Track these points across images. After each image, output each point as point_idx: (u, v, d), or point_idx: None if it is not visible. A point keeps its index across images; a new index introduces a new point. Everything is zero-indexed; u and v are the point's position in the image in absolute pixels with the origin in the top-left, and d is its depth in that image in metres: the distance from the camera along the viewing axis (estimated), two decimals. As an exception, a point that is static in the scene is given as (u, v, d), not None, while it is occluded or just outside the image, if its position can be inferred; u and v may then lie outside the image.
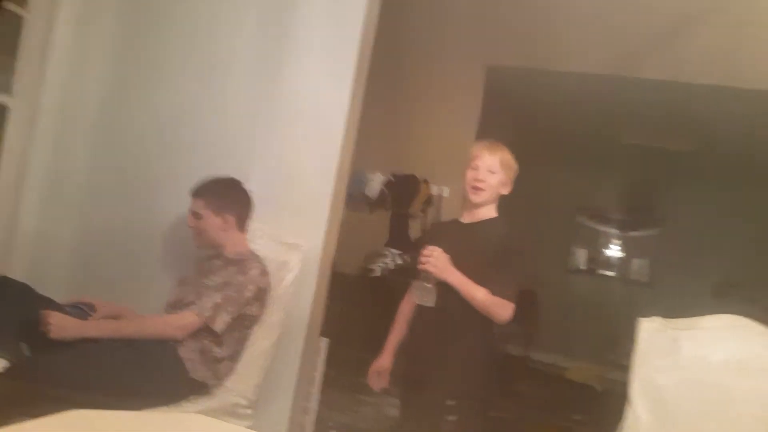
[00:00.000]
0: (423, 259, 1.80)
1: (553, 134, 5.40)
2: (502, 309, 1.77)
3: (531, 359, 5.91)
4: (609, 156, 5.80)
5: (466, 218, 1.94)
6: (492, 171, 1.86)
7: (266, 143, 2.37)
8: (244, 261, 1.95)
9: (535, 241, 6.34)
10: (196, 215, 2.00)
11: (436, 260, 1.78)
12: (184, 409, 1.77)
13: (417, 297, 1.81)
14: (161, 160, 2.51)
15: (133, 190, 2.54)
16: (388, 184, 3.97)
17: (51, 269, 2.53)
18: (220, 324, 1.83)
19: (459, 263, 1.79)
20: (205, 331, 1.84)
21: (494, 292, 1.76)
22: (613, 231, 6.73)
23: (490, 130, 4.28)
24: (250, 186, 2.29)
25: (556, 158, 6.05)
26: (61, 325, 1.70)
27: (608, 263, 6.75)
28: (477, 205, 1.89)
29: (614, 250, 6.76)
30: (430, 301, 1.78)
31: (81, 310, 1.89)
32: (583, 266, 6.77)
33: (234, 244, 2.02)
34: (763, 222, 5.26)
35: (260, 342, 2.00)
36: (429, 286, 1.78)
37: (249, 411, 1.96)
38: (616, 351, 5.03)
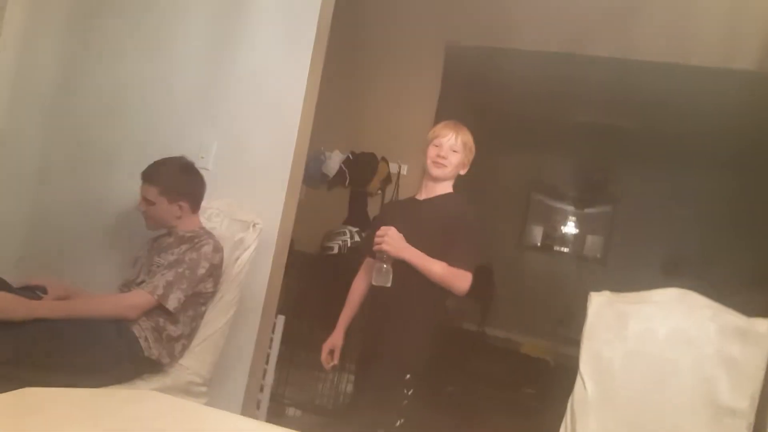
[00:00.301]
0: (377, 239, 1.81)
1: (509, 113, 5.46)
2: (460, 280, 1.80)
3: (486, 335, 6.03)
4: (563, 134, 5.89)
5: (423, 195, 1.97)
6: (454, 149, 1.90)
7: (222, 122, 2.34)
8: (196, 238, 1.93)
9: (491, 218, 6.50)
10: (148, 201, 1.95)
11: (391, 239, 1.80)
12: (138, 388, 1.75)
13: (374, 278, 1.81)
14: (112, 140, 2.46)
15: (84, 170, 2.49)
16: (346, 162, 3.95)
17: (3, 251, 2.46)
18: (173, 302, 1.80)
19: (415, 238, 1.81)
20: (158, 309, 1.81)
21: (452, 264, 1.80)
22: (569, 208, 6.89)
23: (448, 109, 4.29)
24: (206, 164, 2.26)
25: (513, 136, 6.12)
26: (9, 306, 1.64)
27: (563, 240, 6.91)
28: (435, 180, 1.93)
29: (569, 227, 6.93)
30: (386, 281, 1.79)
31: (32, 292, 1.83)
32: (538, 243, 6.93)
33: (186, 224, 2.00)
34: (712, 201, 5.47)
35: (216, 320, 1.99)
36: (385, 266, 1.79)
37: (204, 389, 1.96)
38: (570, 326, 5.20)
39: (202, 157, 2.28)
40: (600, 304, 1.56)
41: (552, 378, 4.69)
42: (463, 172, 1.96)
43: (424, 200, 1.95)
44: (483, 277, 6.23)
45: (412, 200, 2.01)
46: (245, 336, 2.21)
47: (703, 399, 1.42)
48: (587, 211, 6.83)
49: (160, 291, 1.79)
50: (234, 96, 2.33)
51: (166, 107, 2.40)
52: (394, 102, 4.05)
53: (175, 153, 2.06)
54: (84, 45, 2.54)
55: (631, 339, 1.49)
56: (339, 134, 3.98)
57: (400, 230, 1.82)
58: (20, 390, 1.00)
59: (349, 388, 3.43)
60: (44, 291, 1.86)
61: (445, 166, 1.90)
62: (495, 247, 6.44)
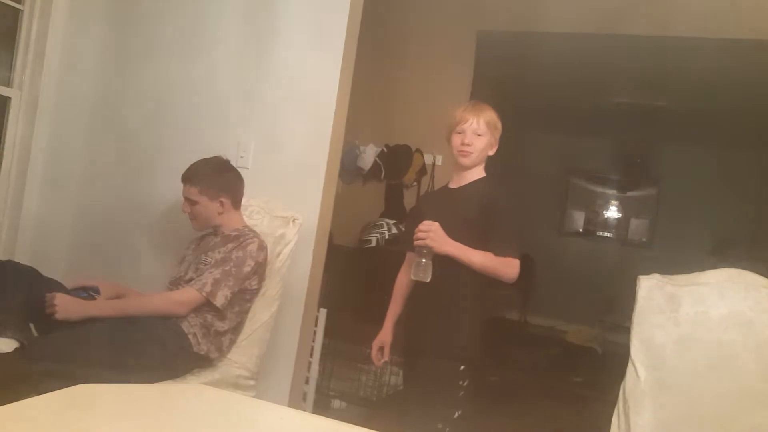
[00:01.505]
0: (421, 234, 1.76)
1: (545, 97, 5.35)
2: (508, 268, 1.77)
3: (529, 323, 5.95)
4: (601, 117, 5.76)
5: (455, 183, 1.92)
6: (478, 133, 1.83)
7: (258, 120, 2.37)
8: (242, 237, 1.96)
9: (530, 203, 6.40)
10: (191, 202, 2.00)
11: (436, 234, 1.75)
12: (188, 383, 1.80)
13: (413, 273, 1.78)
14: (154, 141, 2.53)
15: (129, 172, 2.57)
16: (381, 155, 3.95)
17: (54, 252, 2.58)
18: (220, 299, 1.84)
19: (452, 228, 1.77)
20: (206, 306, 1.86)
21: (496, 253, 1.76)
22: (610, 192, 6.71)
23: (482, 96, 4.23)
24: (245, 163, 2.30)
25: (549, 121, 6.01)
26: (66, 307, 1.74)
27: (606, 224, 6.75)
28: (465, 168, 1.87)
29: (612, 211, 6.75)
30: (426, 276, 1.75)
31: (86, 293, 1.90)
32: (580, 228, 6.78)
33: (231, 222, 2.03)
34: (761, 178, 5.26)
35: (260, 314, 2.02)
36: (424, 261, 1.75)
37: (251, 382, 2.00)
38: (617, 312, 5.08)
39: (242, 157, 2.32)
40: (649, 288, 1.50)
41: (600, 366, 4.59)
42: (492, 152, 1.89)
43: (457, 188, 1.90)
44: (523, 265, 6.13)
45: (446, 189, 1.96)
46: (289, 330, 2.25)
47: (763, 384, 1.36)
48: (630, 194, 6.65)
49: (208, 288, 1.83)
50: (269, 95, 2.36)
51: (204, 109, 2.45)
52: (427, 93, 4.02)
53: (215, 153, 2.10)
54: (124, 49, 2.62)
55: (684, 323, 1.43)
56: (373, 128, 3.98)
57: (436, 221, 1.78)
58: (75, 386, 1.03)
59: (393, 380, 3.45)
60: (97, 291, 1.93)
61: (471, 152, 1.83)
62: (535, 234, 6.33)
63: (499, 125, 1.89)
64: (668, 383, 1.42)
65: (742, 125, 4.92)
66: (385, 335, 1.98)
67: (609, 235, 6.71)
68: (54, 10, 2.46)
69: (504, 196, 1.87)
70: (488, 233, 1.77)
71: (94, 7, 2.62)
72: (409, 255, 1.98)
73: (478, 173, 1.90)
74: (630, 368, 1.47)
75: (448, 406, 1.79)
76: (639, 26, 3.64)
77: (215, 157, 2.06)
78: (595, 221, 6.74)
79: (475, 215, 1.81)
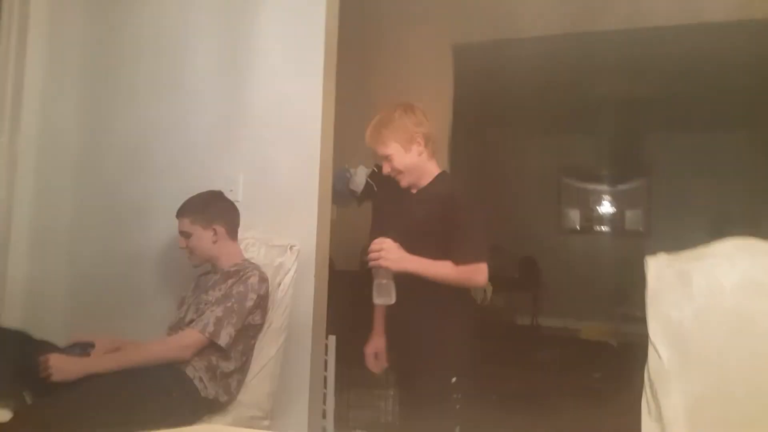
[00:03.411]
0: (373, 255, 1.63)
1: (528, 101, 5.39)
2: (475, 275, 1.68)
3: (542, 326, 5.91)
4: (584, 114, 5.81)
5: (413, 187, 1.83)
6: (390, 156, 1.73)
7: (245, 153, 2.35)
8: (241, 271, 1.92)
9: (527, 206, 6.40)
10: (185, 234, 1.97)
11: (388, 252, 1.62)
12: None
13: (375, 297, 1.65)
14: (140, 186, 2.49)
15: (118, 220, 2.52)
16: (372, 176, 3.92)
17: (46, 312, 2.52)
18: (224, 338, 1.79)
19: (414, 239, 1.66)
20: (210, 347, 1.80)
21: (461, 261, 1.66)
22: (601, 187, 6.76)
23: (464, 107, 4.26)
24: (235, 196, 2.27)
25: (536, 123, 6.05)
26: (61, 367, 1.67)
27: (601, 219, 6.79)
28: (414, 186, 1.80)
29: (605, 206, 6.79)
30: (389, 298, 1.63)
31: (81, 349, 1.84)
32: (577, 226, 6.79)
33: (229, 256, 1.99)
34: (750, 156, 5.28)
35: (267, 349, 1.96)
36: (384, 281, 1.62)
37: (266, 422, 1.92)
38: (626, 303, 5.04)
39: (231, 190, 2.27)
40: (658, 267, 1.47)
41: (618, 359, 4.54)
42: (418, 149, 1.75)
43: (417, 192, 1.80)
44: (528, 268, 6.13)
45: (405, 194, 1.83)
46: (300, 362, 2.18)
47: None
48: (620, 187, 6.69)
49: (210, 328, 1.78)
50: (252, 126, 2.34)
51: (188, 147, 2.42)
52: (410, 110, 4.02)
53: (202, 190, 2.07)
54: (101, 98, 2.60)
55: (698, 296, 1.40)
56: (361, 149, 3.95)
57: (397, 229, 1.67)
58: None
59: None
60: (92, 346, 1.87)
61: (400, 174, 1.75)
62: (534, 236, 6.34)
63: (404, 122, 1.75)
64: (692, 358, 1.38)
65: (723, 106, 4.96)
66: (378, 340, 1.90)
67: (606, 229, 6.73)
68: (29, 64, 2.43)
69: (464, 194, 1.78)
70: (450, 239, 1.67)
71: (70, 58, 2.60)
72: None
73: (427, 174, 1.80)
74: (651, 351, 1.43)
75: (445, 422, 1.71)
76: (611, 20, 3.68)
77: (207, 191, 2.05)
78: (591, 217, 6.78)
79: (435, 221, 1.71)
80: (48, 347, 1.77)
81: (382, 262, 1.61)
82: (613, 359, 4.55)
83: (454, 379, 1.71)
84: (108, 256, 2.51)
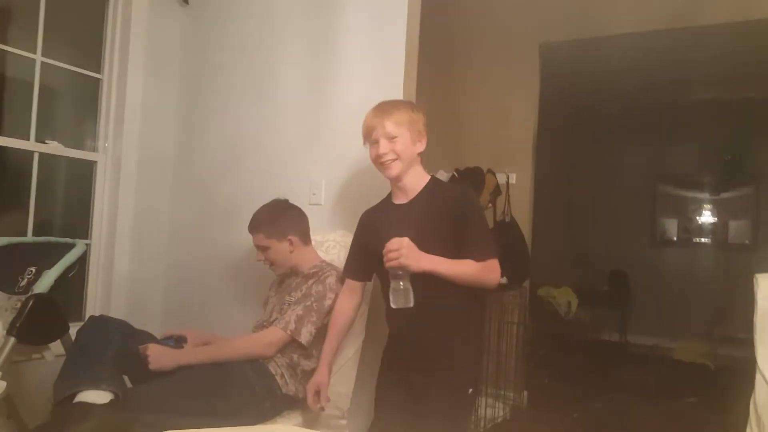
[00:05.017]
0: (392, 254, 1.53)
1: (619, 103, 5.15)
2: (491, 273, 1.60)
3: (631, 344, 5.60)
4: (683, 117, 5.45)
5: (400, 198, 1.74)
6: (392, 136, 1.65)
7: (327, 158, 2.39)
8: (320, 272, 1.97)
9: (618, 217, 6.08)
10: (261, 248, 2.04)
11: (409, 251, 1.53)
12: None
13: (393, 302, 1.57)
14: (231, 190, 2.61)
15: (211, 222, 2.66)
16: (452, 180, 3.89)
17: (145, 305, 2.69)
18: (305, 335, 1.84)
19: (418, 244, 1.57)
20: (291, 345, 1.86)
21: (475, 257, 1.58)
22: (702, 195, 6.28)
23: (550, 109, 4.12)
24: (318, 200, 2.33)
25: (627, 128, 5.76)
26: (158, 357, 1.78)
27: (702, 230, 6.30)
28: (397, 180, 1.70)
29: (706, 216, 6.31)
30: (407, 301, 1.55)
31: (175, 342, 1.95)
32: (674, 237, 6.36)
33: (306, 260, 2.05)
34: None
35: (346, 350, 1.99)
36: (402, 284, 1.55)
37: (343, 422, 1.96)
38: (728, 322, 4.67)
39: (314, 194, 2.35)
40: (770, 287, 1.34)
41: (716, 383, 4.22)
42: (421, 148, 1.69)
43: (409, 202, 1.71)
44: (617, 282, 5.83)
45: (392, 206, 1.76)
46: (376, 364, 2.19)
47: None
48: (724, 195, 6.19)
49: (292, 326, 1.84)
50: (334, 133, 2.38)
51: (274, 153, 2.51)
52: (494, 112, 3.95)
53: (289, 195, 2.15)
54: (196, 105, 2.77)
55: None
56: (441, 154, 3.94)
57: (399, 236, 1.56)
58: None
59: (489, 412, 3.29)
60: (185, 341, 1.97)
61: (393, 159, 1.65)
62: (626, 248, 6.02)
63: (419, 117, 1.69)
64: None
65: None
66: (322, 376, 1.81)
67: (706, 240, 6.25)
68: (130, 75, 2.62)
69: (464, 195, 1.70)
70: (460, 239, 1.59)
71: (168, 66, 2.79)
72: (347, 282, 1.86)
73: (421, 177, 1.72)
74: (759, 380, 1.30)
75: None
76: (715, 14, 3.42)
77: (273, 201, 2.11)
78: (690, 228, 6.32)
79: (440, 225, 1.62)
80: (147, 337, 1.90)
81: (403, 260, 1.52)
82: (710, 383, 4.23)
83: (470, 390, 1.64)
84: (199, 256, 2.67)
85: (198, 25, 2.79)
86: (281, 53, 2.54)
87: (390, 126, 1.65)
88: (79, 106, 2.76)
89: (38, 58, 2.39)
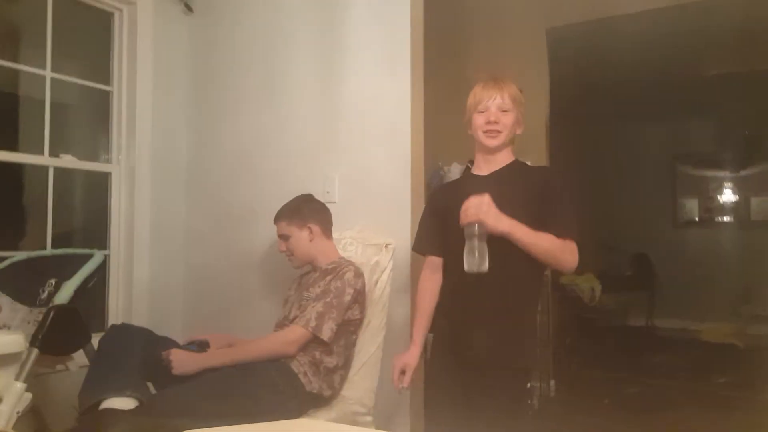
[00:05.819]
0: (471, 210, 1.47)
1: (632, 84, 5.05)
2: (569, 254, 1.53)
3: (658, 328, 5.53)
4: (698, 94, 5.33)
5: (483, 169, 1.69)
6: (504, 109, 1.63)
7: (340, 155, 2.40)
8: (338, 267, 1.96)
9: (638, 199, 5.98)
10: (283, 237, 2.05)
11: (489, 207, 1.47)
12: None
13: (467, 264, 1.47)
14: (246, 191, 2.62)
15: (228, 224, 2.67)
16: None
17: (166, 311, 2.71)
18: (327, 332, 1.83)
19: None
20: (313, 342, 1.85)
21: (556, 234, 1.51)
22: (722, 173, 6.16)
23: (561, 93, 4.07)
24: (332, 197, 2.32)
25: (641, 108, 5.65)
26: (181, 362, 1.79)
27: (723, 209, 6.18)
28: (493, 152, 1.66)
29: (727, 194, 6.19)
30: (481, 265, 1.45)
31: (197, 347, 1.96)
32: (695, 217, 6.25)
33: (325, 254, 2.05)
34: None
35: (368, 346, 1.99)
36: (478, 244, 1.44)
37: (369, 418, 1.94)
38: (755, 301, 4.59)
39: (328, 192, 2.35)
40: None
41: (745, 363, 4.14)
42: (519, 131, 1.68)
43: (490, 174, 1.67)
44: (641, 265, 5.74)
45: (472, 177, 1.73)
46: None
47: None
48: (744, 173, 6.06)
49: (313, 323, 1.83)
50: (346, 129, 2.39)
51: (287, 153, 2.52)
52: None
53: (302, 193, 2.15)
54: (206, 109, 2.78)
55: None
56: (454, 145, 3.89)
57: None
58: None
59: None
60: (207, 345, 1.98)
61: (499, 132, 1.62)
62: (648, 231, 5.93)
63: (523, 100, 1.69)
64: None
65: None
66: (412, 357, 1.71)
67: (729, 219, 6.13)
68: (139, 86, 2.64)
69: (556, 175, 1.67)
70: (544, 214, 1.54)
71: (176, 74, 2.80)
72: (429, 259, 1.77)
73: (507, 157, 1.69)
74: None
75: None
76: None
77: (299, 195, 2.14)
78: (711, 207, 6.20)
79: (524, 195, 1.57)
80: (169, 343, 1.91)
81: (482, 216, 1.46)
82: (740, 363, 4.15)
83: (529, 385, 1.60)
84: (217, 260, 2.68)
85: (204, 31, 2.81)
86: (289, 53, 2.54)
87: (507, 99, 1.64)
88: (91, 119, 2.79)
89: (48, 74, 2.42)
